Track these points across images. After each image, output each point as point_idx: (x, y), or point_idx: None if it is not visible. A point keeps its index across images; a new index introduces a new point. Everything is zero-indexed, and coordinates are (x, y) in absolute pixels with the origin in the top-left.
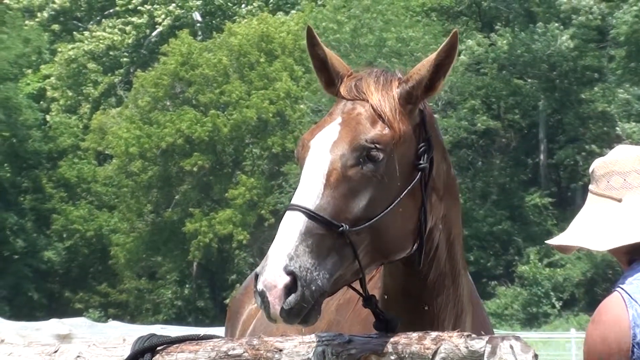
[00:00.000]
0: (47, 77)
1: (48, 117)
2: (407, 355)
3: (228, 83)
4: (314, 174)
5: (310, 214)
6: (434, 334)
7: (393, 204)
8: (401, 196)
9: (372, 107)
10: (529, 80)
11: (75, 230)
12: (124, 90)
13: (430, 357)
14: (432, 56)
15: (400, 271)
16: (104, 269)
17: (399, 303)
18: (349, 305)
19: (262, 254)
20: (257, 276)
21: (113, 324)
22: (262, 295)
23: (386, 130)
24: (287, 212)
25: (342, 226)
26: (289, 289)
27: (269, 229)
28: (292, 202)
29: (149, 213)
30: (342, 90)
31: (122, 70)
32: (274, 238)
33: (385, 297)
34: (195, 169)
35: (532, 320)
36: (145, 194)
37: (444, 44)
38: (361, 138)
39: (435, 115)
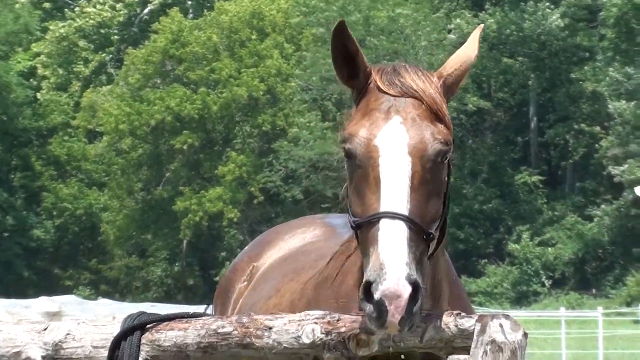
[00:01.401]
0: (38, 55)
1: (39, 95)
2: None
3: (218, 60)
4: (399, 178)
5: (409, 222)
6: (423, 312)
7: (447, 200)
8: (449, 191)
9: (428, 106)
10: (519, 59)
11: (65, 208)
12: (115, 68)
13: (420, 335)
14: (471, 54)
15: None
16: (93, 247)
17: None
18: (327, 283)
19: (252, 231)
20: (369, 284)
21: (103, 301)
22: (380, 304)
23: (446, 130)
24: (387, 220)
25: (432, 233)
26: (412, 299)
27: (259, 206)
28: (387, 209)
29: (139, 191)
30: (382, 85)
31: (112, 48)
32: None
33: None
34: (185, 147)
35: (521, 299)
36: (135, 172)
37: (477, 41)
38: (434, 140)
39: None
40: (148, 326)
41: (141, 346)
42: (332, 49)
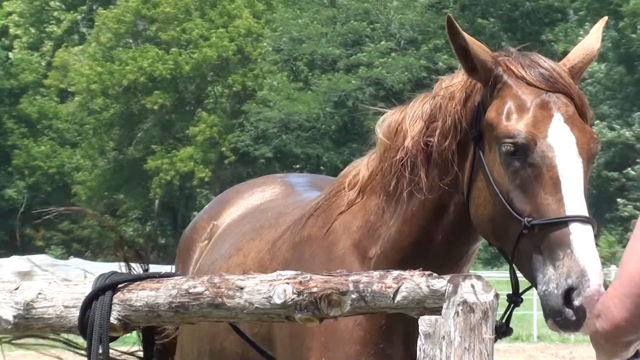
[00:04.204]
0: (10, 14)
1: (10, 54)
2: (368, 294)
3: (190, 20)
4: (577, 180)
5: (592, 225)
6: (395, 272)
7: None
8: None
9: (575, 103)
10: (492, 20)
11: (37, 166)
12: (87, 28)
13: (392, 296)
14: (595, 46)
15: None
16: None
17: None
18: (311, 242)
19: (222, 192)
20: (570, 290)
21: (74, 261)
22: (580, 310)
23: (592, 129)
24: (579, 225)
25: (596, 234)
26: None
27: (231, 166)
28: (577, 212)
29: (111, 150)
30: (531, 78)
31: (84, 8)
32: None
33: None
34: (156, 107)
35: (493, 260)
36: (107, 132)
37: (600, 33)
38: (594, 141)
39: (394, 55)
40: (120, 286)
41: (113, 306)
42: (451, 44)
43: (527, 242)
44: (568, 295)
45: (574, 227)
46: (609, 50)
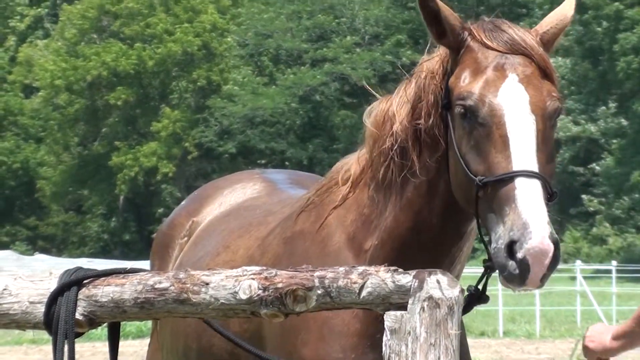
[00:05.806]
0: None
1: None
2: (334, 290)
3: (154, 15)
4: (526, 136)
5: (543, 180)
6: (361, 268)
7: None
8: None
9: (537, 63)
10: (457, 14)
11: (1, 162)
12: (51, 23)
13: (357, 291)
14: (568, 13)
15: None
16: (30, 202)
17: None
18: (304, 237)
19: (188, 187)
20: (513, 243)
21: (40, 257)
22: (524, 262)
23: (555, 89)
24: (523, 179)
25: (556, 192)
26: (554, 256)
27: (195, 162)
28: (522, 167)
29: (75, 146)
30: (489, 42)
31: (48, 3)
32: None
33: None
34: (119, 102)
35: None
36: (71, 127)
37: (573, 1)
38: (552, 98)
39: (358, 50)
40: (85, 282)
41: (78, 302)
42: (419, 9)
43: (483, 202)
44: (510, 248)
45: (519, 182)
46: (573, 45)
